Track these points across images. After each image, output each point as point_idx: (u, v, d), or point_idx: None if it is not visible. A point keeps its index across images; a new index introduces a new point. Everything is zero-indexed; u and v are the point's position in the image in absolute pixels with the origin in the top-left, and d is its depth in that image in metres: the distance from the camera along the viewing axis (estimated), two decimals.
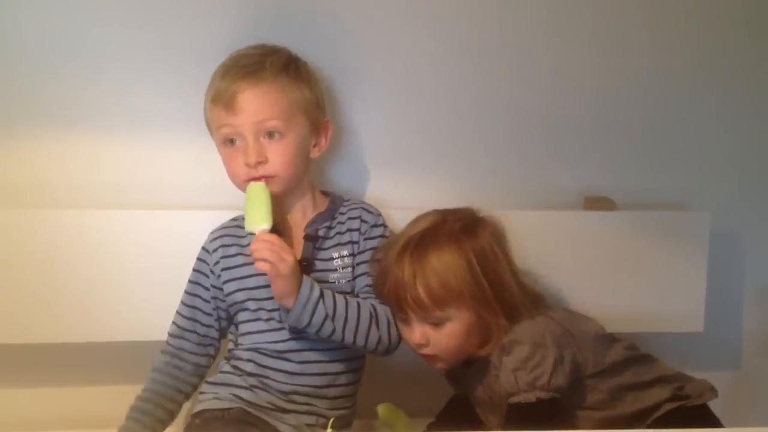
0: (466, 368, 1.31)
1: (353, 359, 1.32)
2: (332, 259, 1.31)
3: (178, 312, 1.35)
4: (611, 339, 1.29)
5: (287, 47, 1.33)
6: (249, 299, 1.30)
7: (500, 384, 1.22)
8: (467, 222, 1.27)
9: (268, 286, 1.25)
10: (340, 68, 1.43)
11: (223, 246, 1.34)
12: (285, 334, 1.28)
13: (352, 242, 1.32)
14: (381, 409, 1.30)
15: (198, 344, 1.34)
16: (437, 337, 1.24)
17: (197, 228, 1.38)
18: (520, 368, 1.19)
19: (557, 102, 1.49)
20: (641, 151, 1.49)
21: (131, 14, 1.39)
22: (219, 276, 1.32)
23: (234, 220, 1.37)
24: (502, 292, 1.24)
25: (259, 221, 1.21)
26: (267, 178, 1.26)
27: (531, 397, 1.18)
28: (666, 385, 1.26)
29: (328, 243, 1.32)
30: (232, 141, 1.26)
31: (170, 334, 1.35)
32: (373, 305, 1.27)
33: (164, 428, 1.31)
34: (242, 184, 1.27)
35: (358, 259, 1.32)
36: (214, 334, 1.35)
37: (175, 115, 1.40)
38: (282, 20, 1.40)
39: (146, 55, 1.40)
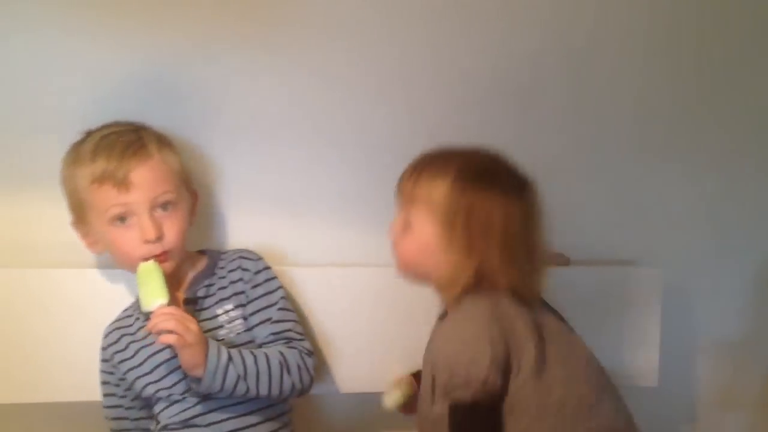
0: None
1: (268, 407, 1.28)
2: (216, 316, 1.29)
3: (106, 417, 1.35)
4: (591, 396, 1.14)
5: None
6: (148, 384, 1.28)
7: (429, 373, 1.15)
8: (482, 168, 1.20)
9: (162, 364, 1.27)
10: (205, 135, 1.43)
11: (114, 343, 1.33)
12: (186, 403, 1.26)
13: (236, 293, 1.30)
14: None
15: None
16: (402, 236, 1.22)
17: None
18: (454, 363, 1.10)
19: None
20: (595, 208, 1.52)
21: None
22: (118, 368, 1.32)
23: (125, 311, 1.37)
24: (478, 252, 1.14)
25: (155, 297, 1.19)
26: (164, 254, 1.24)
27: (467, 395, 1.08)
28: None
29: (210, 301, 1.30)
30: (122, 219, 1.23)
31: None
32: (281, 352, 1.25)
33: None
34: (136, 263, 1.24)
35: (252, 308, 1.30)
36: (145, 424, 1.34)
37: None
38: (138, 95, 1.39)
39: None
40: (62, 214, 1.32)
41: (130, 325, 1.33)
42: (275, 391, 1.23)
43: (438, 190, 1.17)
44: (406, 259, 1.22)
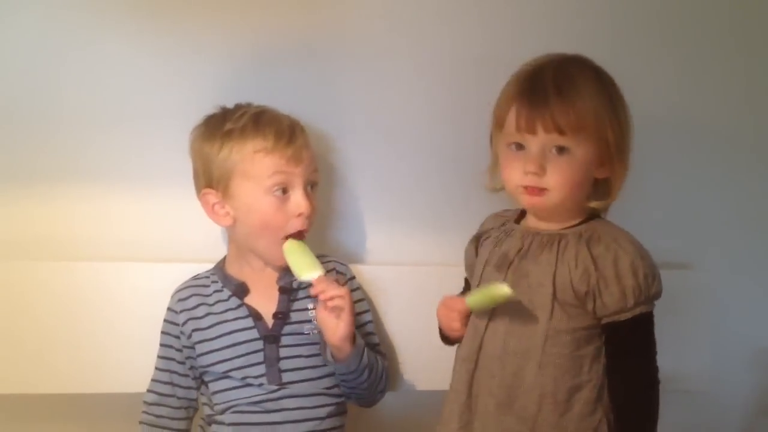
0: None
1: (335, 404, 1.32)
2: (307, 309, 1.32)
3: (154, 379, 1.34)
4: None
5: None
6: (222, 361, 1.29)
7: (605, 296, 1.11)
8: (603, 70, 1.18)
9: (241, 343, 1.29)
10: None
11: (190, 309, 1.33)
12: (262, 389, 1.28)
13: None
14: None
15: (178, 408, 1.33)
16: (556, 166, 1.12)
17: None
18: (642, 277, 1.11)
19: None
20: (645, 211, 1.50)
21: (139, 70, 1.41)
22: (190, 336, 1.31)
23: (196, 278, 1.36)
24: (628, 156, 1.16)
25: (314, 269, 1.24)
26: (305, 231, 1.29)
27: (648, 308, 1.13)
28: None
29: (302, 293, 1.33)
30: (284, 190, 1.27)
31: (148, 403, 1.33)
32: (380, 361, 1.34)
33: None
34: (280, 235, 1.27)
35: None
36: (193, 395, 1.34)
37: (179, 170, 1.36)
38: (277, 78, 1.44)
39: (149, 112, 1.42)
40: (109, 209, 1.42)
41: (208, 295, 1.33)
42: (370, 389, 1.31)
43: (593, 106, 1.12)
44: (570, 184, 1.14)
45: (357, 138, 1.48)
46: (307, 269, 1.24)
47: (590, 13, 1.50)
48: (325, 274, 1.24)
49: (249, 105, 1.33)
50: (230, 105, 1.33)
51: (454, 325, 1.23)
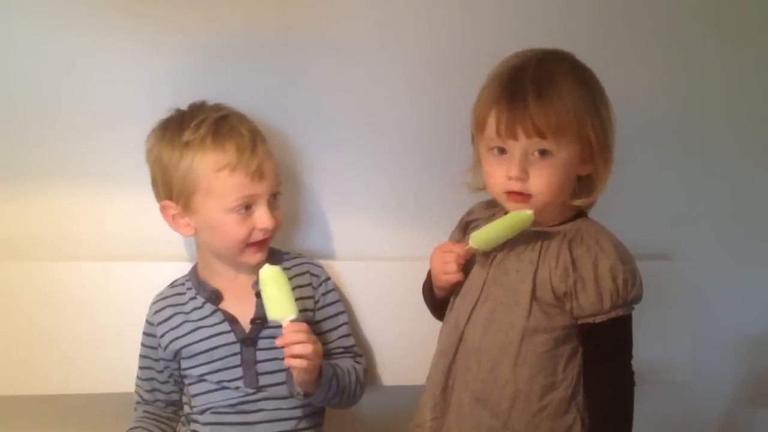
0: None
1: (309, 404, 1.31)
2: None
3: (137, 384, 1.36)
4: None
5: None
6: (199, 364, 1.30)
7: (582, 298, 1.12)
8: (584, 66, 1.17)
9: (217, 348, 1.28)
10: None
11: (165, 320, 1.33)
12: (239, 392, 1.28)
13: (303, 298, 1.33)
14: None
15: (165, 407, 1.36)
16: (538, 170, 1.11)
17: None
18: (622, 280, 1.11)
19: None
20: (626, 202, 1.50)
21: (127, 69, 1.40)
22: (167, 347, 1.32)
23: (173, 286, 1.36)
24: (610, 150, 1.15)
25: (286, 310, 1.19)
26: (267, 242, 1.28)
27: (625, 312, 1.12)
28: None
29: None
30: (247, 208, 1.25)
31: (137, 402, 1.36)
32: (355, 369, 1.33)
33: None
34: (241, 250, 1.27)
35: (322, 314, 1.35)
36: (176, 397, 1.36)
37: None
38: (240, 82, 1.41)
39: (135, 111, 1.39)
40: (94, 208, 1.40)
41: (184, 303, 1.33)
42: (343, 403, 1.31)
43: (574, 106, 1.10)
44: (553, 187, 1.13)
45: (328, 132, 1.46)
46: (279, 310, 1.19)
47: (575, 8, 1.49)
48: (298, 317, 1.19)
49: (206, 106, 1.29)
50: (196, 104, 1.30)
51: (449, 268, 1.21)
